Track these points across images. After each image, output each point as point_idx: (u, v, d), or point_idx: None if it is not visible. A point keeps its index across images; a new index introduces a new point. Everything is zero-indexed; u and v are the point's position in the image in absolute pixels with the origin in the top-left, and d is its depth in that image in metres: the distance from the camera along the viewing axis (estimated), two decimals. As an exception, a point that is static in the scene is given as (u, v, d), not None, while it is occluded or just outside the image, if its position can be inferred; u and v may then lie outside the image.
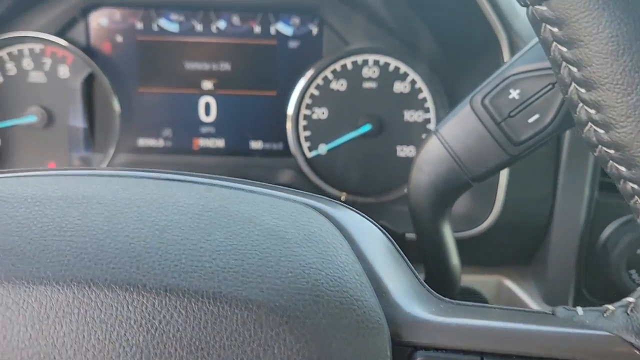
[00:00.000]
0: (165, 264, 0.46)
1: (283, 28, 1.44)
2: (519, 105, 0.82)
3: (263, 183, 0.63)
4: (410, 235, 1.18)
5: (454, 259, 0.98)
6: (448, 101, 1.43)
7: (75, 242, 0.47)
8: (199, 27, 1.43)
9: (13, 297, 0.44)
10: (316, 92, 1.44)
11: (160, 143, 1.49)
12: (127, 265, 0.46)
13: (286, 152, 1.50)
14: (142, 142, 1.49)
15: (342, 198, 1.45)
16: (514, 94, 0.83)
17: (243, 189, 0.60)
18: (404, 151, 1.48)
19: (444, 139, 0.87)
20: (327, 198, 0.61)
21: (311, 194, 0.62)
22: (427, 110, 1.45)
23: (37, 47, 1.39)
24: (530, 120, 0.82)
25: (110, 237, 0.48)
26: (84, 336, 0.43)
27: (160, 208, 0.53)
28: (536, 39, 0.79)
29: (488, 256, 1.27)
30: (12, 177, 0.59)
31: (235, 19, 1.43)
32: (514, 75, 0.83)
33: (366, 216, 0.60)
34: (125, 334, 0.43)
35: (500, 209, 1.19)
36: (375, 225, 0.60)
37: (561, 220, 1.18)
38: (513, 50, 1.10)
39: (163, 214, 0.52)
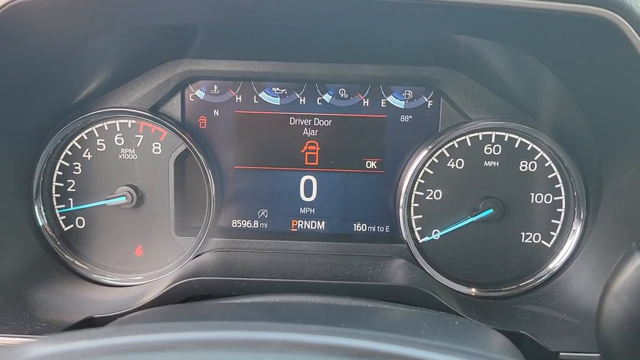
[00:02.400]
0: None
1: (395, 100, 1.30)
2: None
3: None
4: (567, 355, 0.98)
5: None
6: (584, 182, 1.24)
7: None
8: (302, 100, 1.30)
9: None
10: (430, 171, 1.28)
11: (255, 225, 1.35)
12: None
13: (394, 237, 1.34)
14: (236, 223, 1.35)
15: (473, 293, 1.27)
16: None
17: None
18: (530, 238, 1.29)
19: None
20: None
21: None
22: (558, 193, 1.28)
23: (130, 122, 1.28)
24: None
25: None
26: None
27: None
28: None
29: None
30: None
31: (342, 91, 1.30)
32: None
33: None
34: None
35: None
36: None
37: None
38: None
39: None
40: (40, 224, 1.27)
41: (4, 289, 1.10)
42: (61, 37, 1.01)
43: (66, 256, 1.29)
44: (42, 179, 1.27)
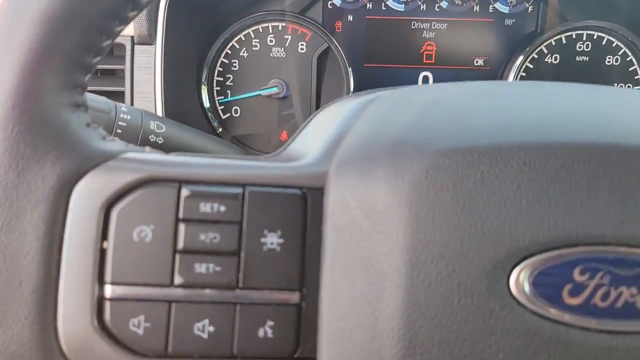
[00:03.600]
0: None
1: (500, 6, 1.55)
2: None
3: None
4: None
5: None
6: (662, 72, 1.50)
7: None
8: (423, 6, 1.56)
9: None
10: (530, 65, 1.54)
11: (380, 114, 1.61)
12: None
13: (497, 123, 1.59)
14: (365, 113, 1.61)
15: None
16: None
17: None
18: (614, 121, 1.55)
19: None
20: None
21: None
22: (637, 83, 1.53)
23: (280, 25, 1.54)
24: None
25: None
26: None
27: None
28: None
29: None
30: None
31: (457, -1, 1.55)
32: None
33: None
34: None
35: None
36: None
37: None
38: None
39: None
40: (207, 106, 1.53)
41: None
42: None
43: (232, 139, 1.55)
44: (208, 72, 1.53)
